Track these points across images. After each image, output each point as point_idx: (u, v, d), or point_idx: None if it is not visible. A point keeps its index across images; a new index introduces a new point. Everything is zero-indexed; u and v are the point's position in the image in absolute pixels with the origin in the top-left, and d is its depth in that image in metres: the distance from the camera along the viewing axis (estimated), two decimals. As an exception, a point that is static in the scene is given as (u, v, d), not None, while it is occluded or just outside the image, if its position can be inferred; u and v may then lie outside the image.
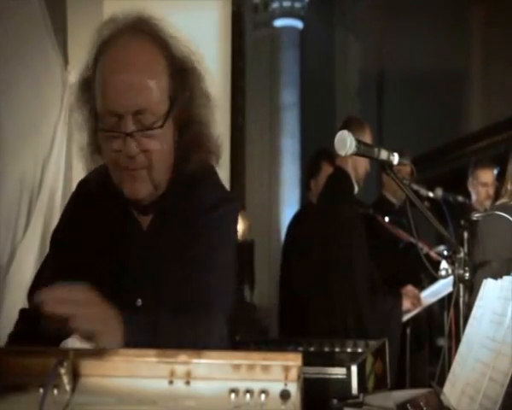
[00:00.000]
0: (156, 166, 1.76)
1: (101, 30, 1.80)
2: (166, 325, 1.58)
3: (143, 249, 1.85)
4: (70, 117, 3.73)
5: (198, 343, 1.58)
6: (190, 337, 1.60)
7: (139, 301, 1.82)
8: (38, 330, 1.86)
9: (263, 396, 1.17)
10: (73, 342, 1.52)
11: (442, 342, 5.13)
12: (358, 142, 2.04)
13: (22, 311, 1.96)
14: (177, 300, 1.71)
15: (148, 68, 1.74)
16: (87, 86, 1.80)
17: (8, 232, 3.21)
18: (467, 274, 2.18)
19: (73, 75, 3.76)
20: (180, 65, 1.81)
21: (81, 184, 2.00)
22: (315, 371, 2.37)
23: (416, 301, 4.15)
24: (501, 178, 5.78)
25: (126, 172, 1.75)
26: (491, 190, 5.52)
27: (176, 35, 1.85)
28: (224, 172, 4.43)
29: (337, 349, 2.67)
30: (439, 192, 4.94)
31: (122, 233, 1.87)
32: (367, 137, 4.05)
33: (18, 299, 3.16)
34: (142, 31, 1.78)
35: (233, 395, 1.18)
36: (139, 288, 1.82)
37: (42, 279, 1.94)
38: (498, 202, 2.84)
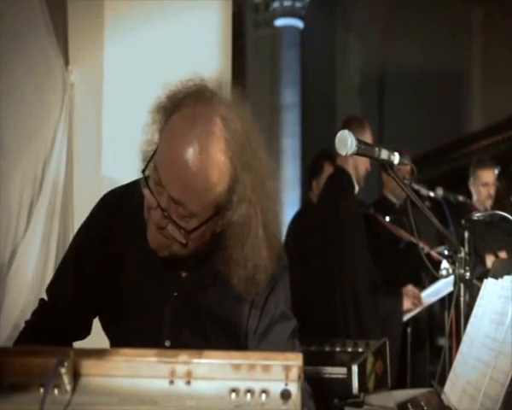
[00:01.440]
0: (177, 247, 1.67)
1: (187, 86, 1.67)
2: None
3: (178, 295, 1.80)
4: (71, 117, 3.74)
5: None
6: None
7: (168, 343, 1.80)
8: (51, 325, 1.88)
9: (263, 396, 1.17)
10: None
11: (443, 341, 5.14)
12: (359, 141, 2.04)
13: (42, 301, 1.96)
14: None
15: (206, 173, 1.58)
16: (161, 117, 1.69)
17: (9, 231, 3.21)
18: (467, 274, 2.18)
19: (74, 75, 3.77)
20: (244, 168, 1.64)
21: (114, 200, 1.89)
22: (316, 371, 2.38)
23: (417, 300, 4.15)
24: (502, 177, 5.80)
25: (153, 228, 1.67)
26: (492, 190, 5.52)
27: (258, 135, 1.72)
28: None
29: (338, 349, 2.68)
30: (440, 192, 4.95)
31: (159, 274, 1.81)
32: (367, 137, 4.05)
33: (19, 298, 3.16)
34: (223, 123, 1.62)
35: (233, 395, 1.18)
36: (169, 330, 1.80)
37: (62, 279, 1.92)
38: None
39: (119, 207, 1.85)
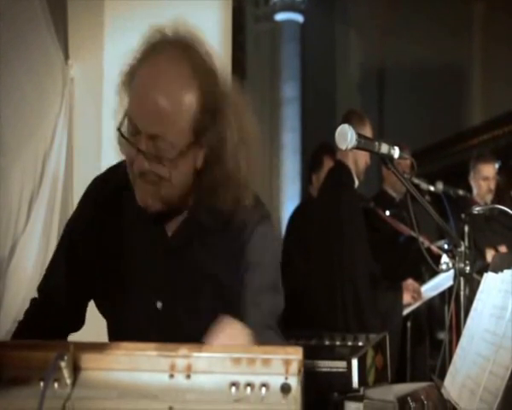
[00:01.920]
0: (166, 188, 1.71)
1: (148, 37, 1.75)
2: None
3: (168, 255, 1.82)
4: (70, 111, 3.74)
5: None
6: None
7: (159, 305, 1.81)
8: (45, 321, 1.89)
9: (263, 390, 1.17)
10: None
11: (442, 335, 5.14)
12: (359, 136, 2.04)
13: (33, 300, 1.97)
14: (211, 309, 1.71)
15: (176, 97, 1.66)
16: (129, 79, 1.75)
17: (10, 226, 3.21)
18: (467, 268, 2.18)
19: (74, 70, 3.77)
20: (216, 98, 1.72)
21: (101, 181, 1.95)
22: (316, 365, 2.38)
23: (417, 294, 4.15)
24: (502, 171, 5.81)
25: (137, 181, 1.71)
26: (493, 184, 5.53)
27: (214, 53, 1.77)
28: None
29: (338, 343, 2.68)
30: (440, 186, 4.95)
31: (146, 237, 1.84)
32: (367, 131, 4.05)
33: (19, 292, 3.16)
34: (186, 55, 1.70)
35: (233, 389, 1.18)
36: (160, 291, 1.82)
37: (53, 277, 1.95)
38: None
39: (104, 188, 1.91)
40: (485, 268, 1.95)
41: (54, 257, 1.98)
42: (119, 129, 1.71)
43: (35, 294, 1.99)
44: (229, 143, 1.73)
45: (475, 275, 2.27)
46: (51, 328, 1.86)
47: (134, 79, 1.71)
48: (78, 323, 1.97)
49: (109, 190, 1.89)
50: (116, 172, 1.86)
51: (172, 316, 1.79)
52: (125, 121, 1.70)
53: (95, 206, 1.90)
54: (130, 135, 1.69)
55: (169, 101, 1.65)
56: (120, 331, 1.87)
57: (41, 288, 1.97)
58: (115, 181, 1.86)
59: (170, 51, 1.70)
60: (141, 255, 1.84)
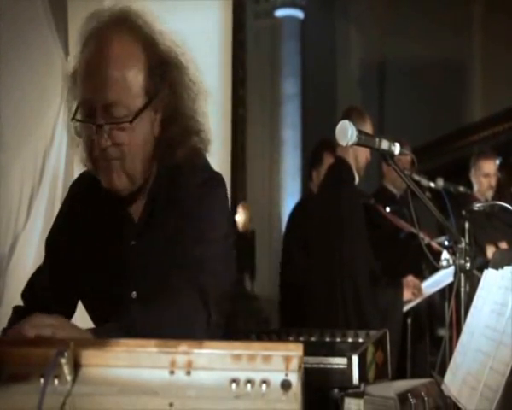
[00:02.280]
0: (129, 159, 1.76)
1: (86, 24, 1.82)
2: (141, 324, 1.56)
3: (136, 241, 1.85)
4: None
5: (181, 329, 1.57)
6: (173, 324, 1.59)
7: (134, 294, 1.83)
8: None
9: (264, 386, 1.17)
10: None
11: (443, 332, 5.14)
12: (359, 132, 2.04)
13: (16, 308, 1.97)
14: (168, 284, 1.71)
15: (122, 62, 1.74)
16: (74, 80, 1.82)
17: (10, 224, 3.21)
18: (468, 264, 2.18)
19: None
20: (161, 60, 1.81)
21: (72, 185, 2.03)
22: (316, 361, 2.38)
23: (417, 291, 4.15)
24: (502, 168, 5.80)
25: (101, 163, 1.77)
26: (494, 181, 5.52)
27: (160, 29, 1.85)
28: (224, 163, 4.45)
29: (338, 339, 2.67)
30: (440, 182, 4.94)
31: (114, 228, 1.88)
32: (368, 128, 4.04)
33: (19, 290, 3.16)
34: (124, 25, 1.79)
35: (234, 385, 1.18)
36: (133, 280, 1.83)
37: (37, 282, 1.98)
38: None
39: (77, 190, 1.99)
40: (485, 265, 1.95)
41: (37, 269, 2.03)
42: (73, 118, 1.78)
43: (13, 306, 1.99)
44: (181, 101, 1.82)
45: (476, 271, 2.27)
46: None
47: (80, 63, 1.79)
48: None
49: (82, 189, 1.95)
50: (87, 172, 1.91)
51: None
52: (78, 113, 1.78)
53: (71, 207, 1.97)
54: (84, 116, 1.76)
55: (117, 67, 1.73)
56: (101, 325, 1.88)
57: (25, 293, 1.99)
58: (87, 179, 1.91)
59: (109, 28, 1.78)
60: (112, 247, 1.87)
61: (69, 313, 1.97)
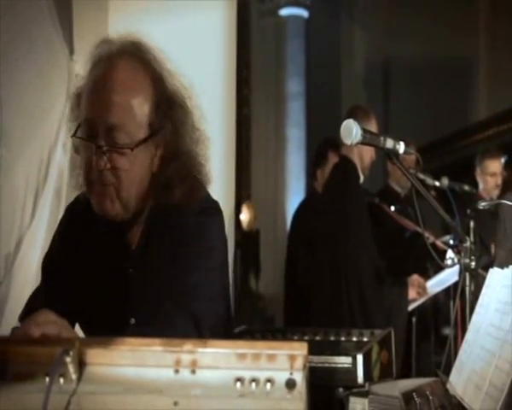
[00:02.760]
0: (125, 186, 1.75)
1: (97, 47, 1.83)
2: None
3: (133, 269, 1.86)
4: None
5: None
6: None
7: (132, 320, 1.83)
8: None
9: (268, 385, 1.17)
10: None
11: (448, 331, 5.14)
12: (364, 131, 2.03)
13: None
14: (162, 310, 1.71)
15: (129, 90, 1.75)
16: (78, 100, 1.82)
17: (15, 222, 3.21)
18: (473, 263, 2.18)
19: (79, 65, 3.77)
20: (167, 97, 1.81)
21: (68, 208, 2.03)
22: (321, 360, 2.38)
23: (422, 290, 4.15)
24: (507, 167, 5.79)
25: (96, 187, 1.77)
26: (500, 180, 5.51)
27: (170, 68, 1.85)
28: (229, 163, 4.44)
29: (343, 338, 2.68)
30: (445, 181, 4.93)
31: (112, 254, 1.88)
32: (373, 126, 4.04)
33: (24, 288, 3.17)
34: (135, 55, 1.80)
35: (238, 384, 1.18)
36: (132, 307, 1.84)
37: (34, 304, 1.96)
38: None
39: (74, 211, 1.98)
40: (490, 264, 1.95)
41: (34, 291, 2.02)
42: (74, 134, 1.78)
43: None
44: (183, 140, 1.82)
45: (481, 270, 2.26)
46: None
47: (86, 85, 1.78)
48: None
49: (79, 213, 1.94)
50: (82, 196, 1.91)
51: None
52: (79, 131, 1.77)
53: (63, 234, 1.97)
54: (86, 136, 1.75)
55: (124, 92, 1.73)
56: None
57: (23, 315, 1.96)
58: (84, 203, 1.90)
59: (120, 54, 1.79)
60: (109, 273, 1.86)
61: None
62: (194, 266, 1.77)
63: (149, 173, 1.81)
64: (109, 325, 1.77)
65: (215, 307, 1.79)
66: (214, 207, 1.89)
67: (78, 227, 1.93)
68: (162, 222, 1.84)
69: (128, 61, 1.78)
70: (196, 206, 1.83)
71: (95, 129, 1.73)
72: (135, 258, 1.86)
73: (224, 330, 1.94)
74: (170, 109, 1.80)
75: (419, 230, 4.24)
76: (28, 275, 3.22)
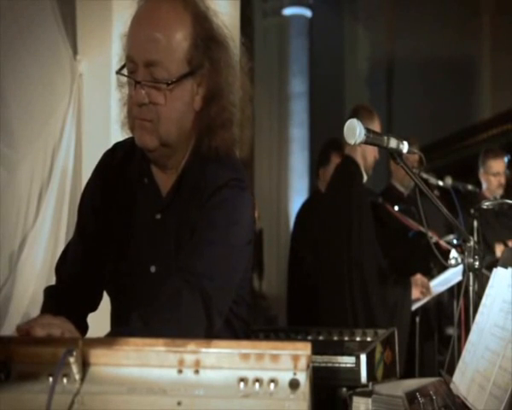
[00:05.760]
0: (163, 122, 1.77)
1: None
2: (139, 329, 1.54)
3: (161, 215, 1.86)
4: (79, 106, 3.75)
5: (181, 331, 1.54)
6: (172, 327, 1.58)
7: (153, 268, 1.83)
8: (66, 303, 1.90)
9: (272, 385, 1.17)
10: None
11: (451, 331, 5.12)
12: (367, 130, 2.03)
13: (47, 290, 1.99)
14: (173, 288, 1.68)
15: (168, 26, 1.76)
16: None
17: (19, 221, 3.22)
18: (476, 263, 2.18)
19: (83, 65, 3.78)
20: (209, 35, 1.82)
21: (105, 154, 2.03)
22: (324, 360, 2.38)
23: (426, 290, 4.14)
24: (511, 166, 5.79)
25: (136, 121, 1.79)
26: (503, 179, 5.50)
27: (215, 8, 1.87)
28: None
29: (346, 338, 2.68)
30: (449, 181, 4.93)
31: (142, 199, 1.89)
32: (376, 126, 4.03)
33: (28, 287, 3.18)
34: None
35: (242, 384, 1.18)
36: (154, 254, 1.84)
37: (68, 253, 2.00)
38: None
39: (111, 158, 1.99)
40: (494, 263, 1.95)
41: (72, 237, 2.04)
42: (118, 72, 1.82)
43: (44, 288, 2.00)
44: (225, 85, 1.83)
45: (484, 270, 2.26)
46: (69, 310, 1.83)
47: (130, 24, 1.81)
48: (95, 300, 1.99)
49: (116, 159, 1.96)
50: (122, 143, 1.97)
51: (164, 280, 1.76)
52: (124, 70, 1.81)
53: (102, 176, 1.97)
54: (129, 72, 1.79)
55: (163, 29, 1.76)
56: (119, 301, 1.89)
57: (58, 267, 2.01)
58: (122, 150, 1.95)
59: None
60: (137, 218, 1.88)
61: (95, 298, 1.99)
62: (213, 239, 1.74)
63: (191, 111, 1.82)
64: (131, 272, 1.83)
65: (229, 289, 1.77)
66: (244, 180, 1.85)
67: (112, 171, 1.95)
68: (195, 177, 1.84)
69: (169, 2, 1.79)
70: (229, 171, 1.82)
71: (135, 65, 1.76)
72: (163, 205, 1.86)
73: (245, 322, 1.92)
74: (210, 48, 1.81)
75: (422, 229, 4.23)
76: (32, 274, 3.23)
